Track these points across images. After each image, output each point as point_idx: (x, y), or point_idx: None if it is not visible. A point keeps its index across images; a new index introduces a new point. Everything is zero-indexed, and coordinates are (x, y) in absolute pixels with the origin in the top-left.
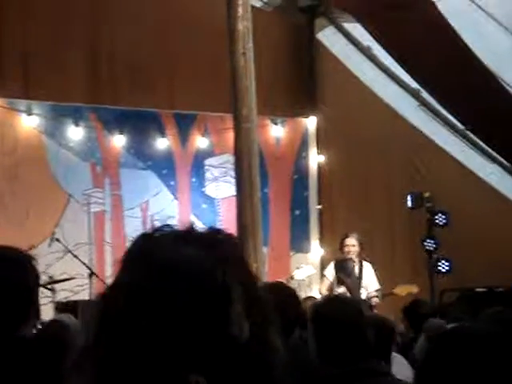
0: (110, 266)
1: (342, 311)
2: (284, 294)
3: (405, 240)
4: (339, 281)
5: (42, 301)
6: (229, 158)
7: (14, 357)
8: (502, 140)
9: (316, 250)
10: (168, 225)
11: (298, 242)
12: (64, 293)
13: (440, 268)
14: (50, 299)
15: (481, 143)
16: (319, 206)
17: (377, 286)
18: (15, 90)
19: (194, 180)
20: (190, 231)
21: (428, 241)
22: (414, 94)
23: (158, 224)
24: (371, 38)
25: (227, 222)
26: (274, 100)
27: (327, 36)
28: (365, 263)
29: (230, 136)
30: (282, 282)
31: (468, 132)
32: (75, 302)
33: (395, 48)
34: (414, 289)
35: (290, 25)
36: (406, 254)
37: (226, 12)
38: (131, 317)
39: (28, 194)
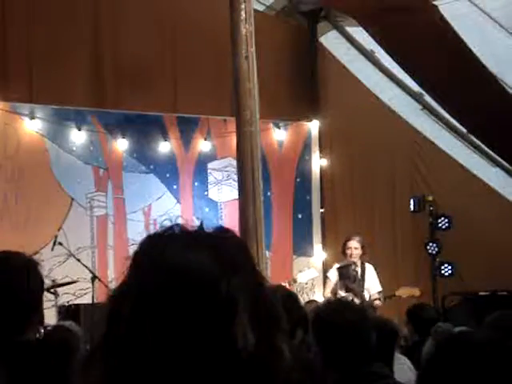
0: (113, 270)
1: (343, 315)
2: (284, 296)
3: (407, 243)
4: (346, 288)
5: (44, 304)
6: (231, 162)
7: (19, 361)
8: (504, 143)
9: (319, 253)
10: (177, 224)
11: (301, 245)
12: (67, 296)
13: (443, 271)
14: (52, 303)
15: (483, 146)
16: (322, 210)
17: (379, 288)
18: (18, 94)
19: (196, 184)
20: (198, 234)
21: (431, 244)
22: (417, 98)
23: (167, 223)
24: (374, 42)
25: (230, 225)
26: (276, 104)
27: (330, 40)
28: (367, 265)
29: (233, 139)
30: (282, 285)
31: (470, 135)
32: (78, 306)
33: (397, 51)
34: (416, 292)
35: (293, 29)
36: (409, 257)
37: (228, 16)
38: (137, 322)
39: (31, 198)
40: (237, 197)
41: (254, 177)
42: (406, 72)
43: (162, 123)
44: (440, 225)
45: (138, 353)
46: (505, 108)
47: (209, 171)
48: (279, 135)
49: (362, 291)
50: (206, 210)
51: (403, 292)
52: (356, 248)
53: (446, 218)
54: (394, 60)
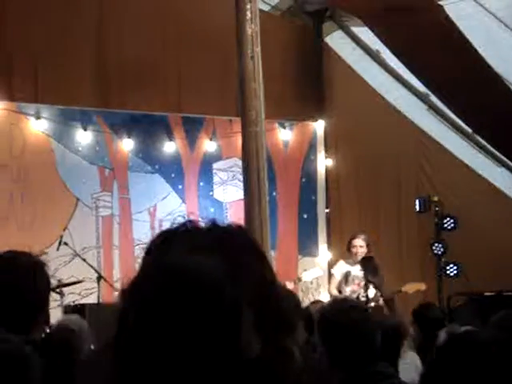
0: (118, 270)
1: (348, 315)
2: (284, 297)
3: (413, 244)
4: (367, 281)
5: (50, 304)
6: (237, 162)
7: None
8: (510, 143)
9: (324, 253)
10: (190, 221)
11: (306, 245)
12: (72, 296)
13: (448, 272)
14: (58, 303)
15: (489, 146)
16: (327, 210)
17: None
18: (24, 94)
19: (201, 184)
20: (207, 233)
21: (436, 245)
22: (423, 98)
23: (180, 219)
24: (379, 42)
25: (233, 222)
26: (282, 104)
27: (335, 40)
28: None
29: (238, 140)
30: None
31: (476, 135)
32: (83, 306)
33: (403, 51)
34: (422, 286)
35: (298, 29)
36: (414, 257)
37: (234, 16)
38: (141, 325)
39: (36, 198)
40: (242, 197)
41: (259, 177)
42: (412, 72)
43: (167, 123)
44: (445, 225)
45: (143, 356)
46: (510, 108)
47: (214, 171)
48: (284, 135)
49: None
50: (212, 210)
51: (409, 287)
52: (361, 246)
53: (451, 218)
54: (400, 60)
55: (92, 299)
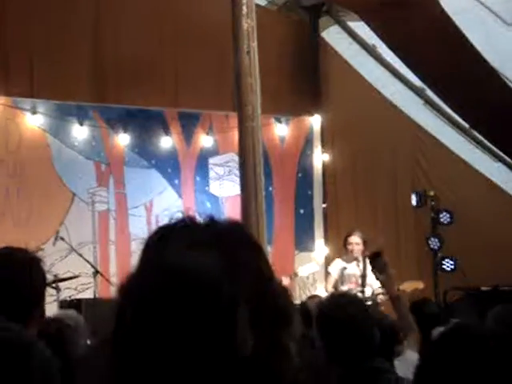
0: (115, 265)
1: (346, 310)
2: None
3: (409, 239)
4: (376, 278)
5: (46, 299)
6: (233, 157)
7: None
8: (506, 138)
9: (321, 248)
10: (189, 217)
11: (303, 240)
12: (68, 291)
13: (444, 266)
14: (54, 298)
15: (485, 141)
16: (324, 205)
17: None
18: (20, 89)
19: (198, 179)
20: (204, 230)
21: (432, 239)
22: (419, 92)
23: (177, 215)
24: (376, 37)
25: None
26: (278, 98)
27: (332, 35)
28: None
29: (235, 135)
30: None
31: (473, 130)
32: (79, 301)
33: (399, 46)
34: (420, 285)
35: (295, 23)
36: (411, 252)
37: (230, 10)
38: (138, 322)
39: (32, 193)
40: (238, 192)
41: (255, 172)
42: (408, 67)
43: (163, 118)
44: (442, 220)
45: (141, 352)
46: (506, 102)
47: (210, 166)
48: (281, 130)
49: (393, 283)
50: (208, 205)
51: (407, 286)
52: (357, 243)
53: (447, 212)
54: (396, 54)
55: (88, 294)
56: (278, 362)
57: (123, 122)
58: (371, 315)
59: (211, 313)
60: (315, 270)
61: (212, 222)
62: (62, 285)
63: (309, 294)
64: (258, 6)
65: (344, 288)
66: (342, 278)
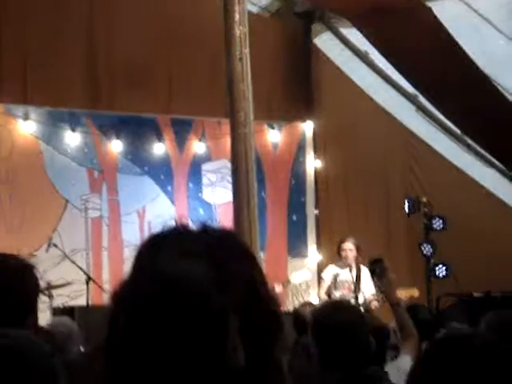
0: (108, 272)
1: (341, 317)
2: None
3: (402, 245)
4: (374, 284)
5: (39, 306)
6: (226, 163)
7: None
8: (498, 144)
9: (313, 254)
10: (181, 225)
11: (296, 246)
12: (61, 298)
13: (437, 273)
14: (47, 305)
15: (478, 147)
16: (316, 211)
17: (374, 290)
18: (12, 96)
19: (191, 185)
20: (196, 239)
21: (425, 245)
22: (412, 99)
23: (170, 223)
24: (368, 43)
25: (224, 226)
26: (270, 105)
27: (324, 41)
28: (362, 267)
29: (227, 141)
30: None
31: (465, 136)
32: (72, 308)
33: (391, 52)
34: (416, 292)
35: (287, 30)
36: (404, 258)
37: (222, 17)
38: (131, 331)
39: (25, 200)
40: (231, 198)
41: (248, 178)
42: (400, 73)
43: (156, 124)
44: (434, 226)
45: (133, 359)
46: (499, 109)
47: (203, 173)
48: (273, 136)
49: (394, 289)
50: (201, 211)
51: (402, 293)
52: (351, 250)
53: (440, 219)
54: (388, 61)
55: (81, 301)
56: (271, 375)
57: (116, 129)
58: (367, 322)
59: (201, 322)
60: (307, 278)
61: (204, 231)
62: (54, 292)
63: (302, 301)
64: (250, 12)
65: (337, 294)
66: (334, 284)
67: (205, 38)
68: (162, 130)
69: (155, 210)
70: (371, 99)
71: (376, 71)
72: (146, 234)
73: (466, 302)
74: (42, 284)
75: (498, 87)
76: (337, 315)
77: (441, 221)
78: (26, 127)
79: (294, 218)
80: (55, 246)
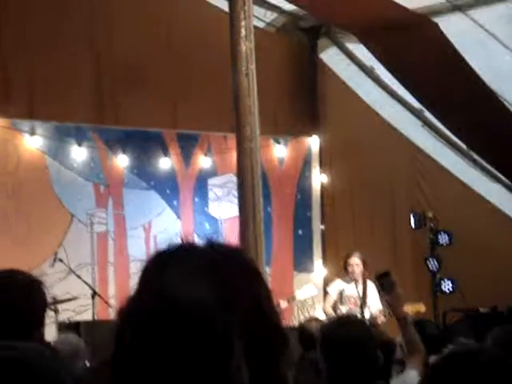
0: (113, 286)
1: (349, 333)
2: None
3: (408, 260)
4: (381, 299)
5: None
6: (232, 178)
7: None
8: (504, 159)
9: (319, 269)
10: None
11: (301, 261)
12: (67, 313)
13: (443, 288)
14: (52, 319)
15: (484, 163)
16: (322, 226)
17: (380, 305)
18: (18, 111)
19: (196, 200)
20: (202, 257)
21: (431, 260)
22: (417, 114)
23: (176, 240)
24: (374, 58)
25: (230, 241)
26: (276, 120)
27: (330, 56)
28: (369, 282)
29: (233, 156)
30: None
31: (471, 151)
32: (78, 323)
33: (397, 67)
34: (422, 308)
35: (293, 45)
36: (409, 273)
37: (229, 33)
38: (136, 349)
39: (31, 215)
40: (237, 213)
41: (254, 193)
42: (406, 88)
43: (162, 139)
44: (440, 241)
45: (139, 376)
46: (505, 124)
47: (209, 187)
48: (279, 151)
49: (401, 304)
50: (207, 226)
51: (408, 309)
52: (357, 264)
53: (446, 234)
54: (394, 76)
55: (87, 316)
56: None
57: (122, 143)
58: (375, 337)
59: (205, 343)
60: (313, 294)
61: (210, 248)
62: (60, 307)
63: (308, 316)
64: (256, 28)
65: (343, 309)
66: (340, 299)
67: (211, 54)
68: (168, 145)
69: (161, 224)
70: (377, 114)
71: (382, 86)
72: (152, 249)
73: (473, 317)
74: (48, 299)
75: (505, 103)
76: (345, 330)
77: (447, 236)
78: (33, 142)
79: (300, 232)
80: (60, 260)
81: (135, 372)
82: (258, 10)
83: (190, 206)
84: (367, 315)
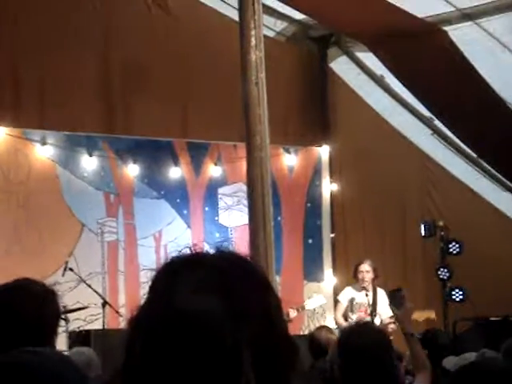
0: (124, 296)
1: (367, 341)
2: None
3: (418, 269)
4: (393, 313)
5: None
6: (242, 187)
7: None
8: None
9: (329, 278)
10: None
11: (312, 270)
12: (77, 322)
13: (454, 297)
14: (63, 329)
15: (494, 171)
16: (332, 235)
17: (390, 313)
18: (29, 120)
19: (207, 209)
20: (212, 270)
21: (442, 269)
22: (427, 123)
23: (185, 250)
24: (383, 67)
25: (240, 250)
26: (286, 129)
27: (340, 65)
28: (379, 290)
29: (243, 165)
30: None
31: (481, 160)
32: (88, 332)
33: (407, 76)
34: (432, 314)
35: (303, 54)
36: (420, 282)
37: (238, 42)
38: (146, 360)
39: (42, 224)
40: (247, 222)
41: (264, 202)
42: (416, 97)
43: (172, 148)
44: (451, 250)
45: None
46: None
47: (219, 196)
48: (289, 160)
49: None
50: (217, 235)
51: (419, 315)
52: (368, 271)
53: (457, 243)
54: (404, 85)
55: (97, 325)
56: None
57: (132, 153)
58: (392, 346)
59: (215, 356)
60: (322, 303)
61: (219, 258)
62: (70, 316)
63: (317, 325)
64: (266, 37)
65: (353, 317)
66: (351, 307)
67: (221, 63)
68: (178, 154)
69: (171, 233)
70: (387, 123)
71: (392, 95)
72: (163, 258)
73: (483, 326)
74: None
75: None
76: (363, 338)
77: (457, 245)
78: (43, 151)
79: (310, 241)
80: (71, 270)
81: (146, 382)
82: (268, 20)
83: (200, 215)
84: (377, 323)
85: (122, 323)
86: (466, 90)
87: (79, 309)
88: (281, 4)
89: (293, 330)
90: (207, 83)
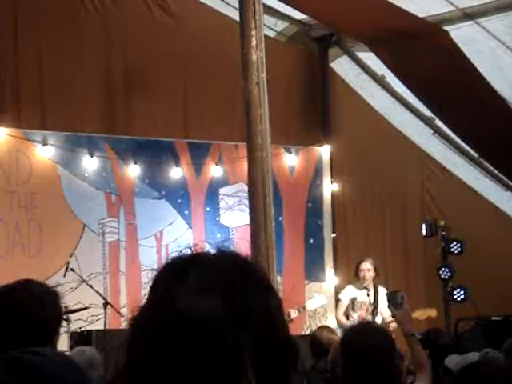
0: (125, 296)
1: (370, 341)
2: None
3: (419, 268)
4: (392, 315)
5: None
6: (243, 187)
7: None
8: None
9: (331, 278)
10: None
11: (313, 270)
12: (79, 323)
13: (455, 296)
14: (64, 329)
15: (495, 171)
16: (333, 235)
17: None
18: (31, 121)
19: (208, 209)
20: (214, 270)
21: (443, 269)
22: (428, 122)
23: (186, 251)
24: (384, 67)
25: (241, 250)
26: (287, 129)
27: (341, 65)
28: (380, 288)
29: (244, 165)
30: None
31: (482, 159)
32: (90, 332)
33: (408, 76)
34: (433, 312)
35: (304, 54)
36: (421, 282)
37: (239, 42)
38: (148, 360)
39: (43, 224)
40: (248, 222)
41: (265, 202)
42: (417, 96)
43: (173, 149)
44: (452, 249)
45: None
46: None
47: (220, 196)
48: (290, 160)
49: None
50: (218, 235)
51: (420, 314)
52: (369, 270)
53: (458, 242)
54: (405, 85)
55: (99, 325)
56: None
57: (133, 153)
58: (395, 346)
59: (216, 356)
60: (323, 303)
61: (220, 258)
62: (72, 316)
63: (319, 325)
64: (267, 37)
65: (355, 315)
66: (352, 306)
67: (222, 63)
68: (179, 154)
69: (172, 233)
70: (388, 123)
71: (393, 95)
72: (164, 258)
73: (485, 325)
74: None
75: None
76: (366, 337)
77: (458, 244)
78: (45, 152)
79: (311, 241)
80: (72, 270)
81: (147, 382)
82: (268, 20)
83: (201, 215)
84: (379, 321)
85: (124, 323)
86: (467, 90)
87: (81, 309)
88: (281, 4)
89: (294, 330)
90: (208, 83)
